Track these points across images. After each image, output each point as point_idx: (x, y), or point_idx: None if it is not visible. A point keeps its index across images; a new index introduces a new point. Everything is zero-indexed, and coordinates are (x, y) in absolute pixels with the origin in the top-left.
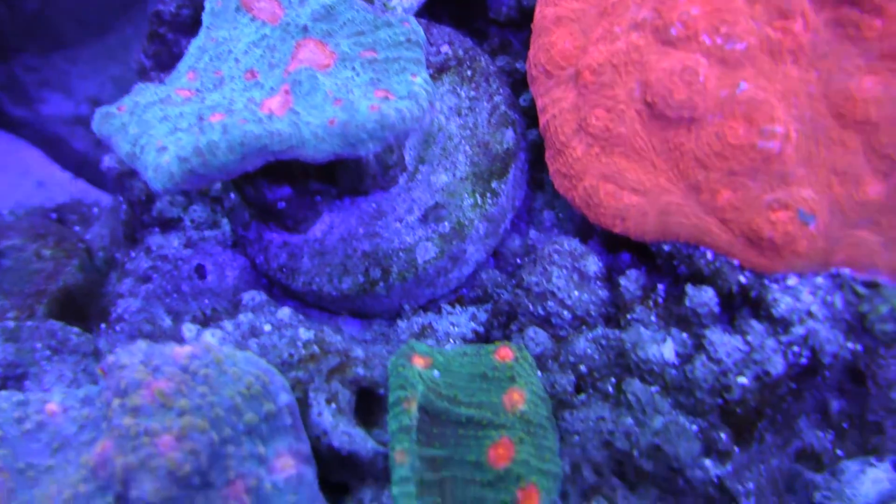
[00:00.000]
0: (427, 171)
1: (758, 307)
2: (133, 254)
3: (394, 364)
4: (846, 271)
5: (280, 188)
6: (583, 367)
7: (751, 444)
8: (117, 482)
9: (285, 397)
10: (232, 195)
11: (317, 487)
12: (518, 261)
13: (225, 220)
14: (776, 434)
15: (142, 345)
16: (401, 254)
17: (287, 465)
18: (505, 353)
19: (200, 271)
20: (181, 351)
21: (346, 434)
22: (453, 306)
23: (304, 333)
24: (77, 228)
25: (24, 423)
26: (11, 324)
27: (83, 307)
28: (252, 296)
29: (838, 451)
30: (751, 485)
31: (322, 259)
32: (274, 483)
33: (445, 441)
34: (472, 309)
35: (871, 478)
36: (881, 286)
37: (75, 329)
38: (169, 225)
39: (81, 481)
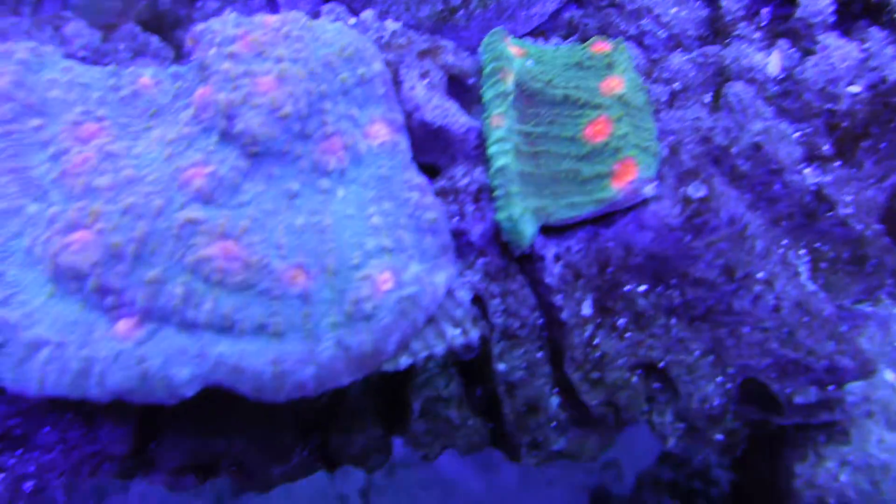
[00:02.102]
0: None
1: (879, 12)
2: (200, 3)
3: (487, 42)
4: None
5: None
6: (677, 84)
7: (852, 163)
8: (222, 118)
9: (378, 66)
10: None
11: (410, 157)
12: (604, 2)
13: None
14: (877, 163)
15: (231, 14)
16: None
17: (381, 131)
18: (601, 45)
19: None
20: (272, 17)
21: (439, 108)
22: (535, 38)
23: (392, 25)
24: None
25: (120, 91)
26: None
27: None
28: (331, 7)
29: None
30: (849, 198)
31: None
32: (369, 147)
33: (540, 119)
34: (555, 39)
35: None
36: None
37: (156, 36)
38: None
39: (184, 125)
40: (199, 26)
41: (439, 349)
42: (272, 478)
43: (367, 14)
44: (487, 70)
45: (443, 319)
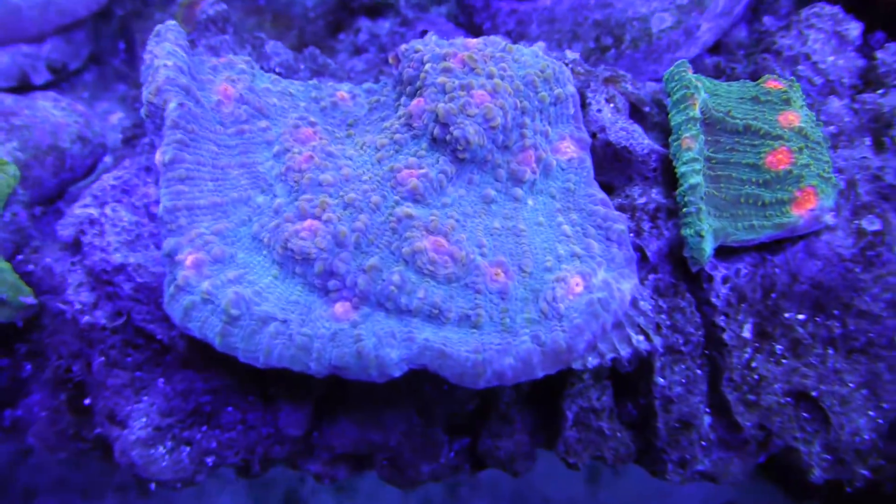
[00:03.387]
0: None
1: None
2: (343, 35)
3: (673, 72)
4: None
5: None
6: (833, 128)
7: None
8: (435, 126)
9: (571, 88)
10: None
11: (593, 173)
12: (742, 52)
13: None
14: None
15: (433, 35)
16: (635, 22)
17: (569, 148)
18: (775, 83)
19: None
20: (473, 39)
21: (625, 130)
22: None
23: (571, 54)
24: None
25: (321, 102)
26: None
27: None
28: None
29: None
30: None
31: (551, 26)
32: (557, 162)
33: (721, 146)
34: None
35: None
36: None
37: (332, 59)
38: (376, 12)
39: (394, 132)
40: (403, 47)
41: (625, 352)
42: (421, 475)
43: (540, 45)
44: (676, 97)
45: (628, 325)
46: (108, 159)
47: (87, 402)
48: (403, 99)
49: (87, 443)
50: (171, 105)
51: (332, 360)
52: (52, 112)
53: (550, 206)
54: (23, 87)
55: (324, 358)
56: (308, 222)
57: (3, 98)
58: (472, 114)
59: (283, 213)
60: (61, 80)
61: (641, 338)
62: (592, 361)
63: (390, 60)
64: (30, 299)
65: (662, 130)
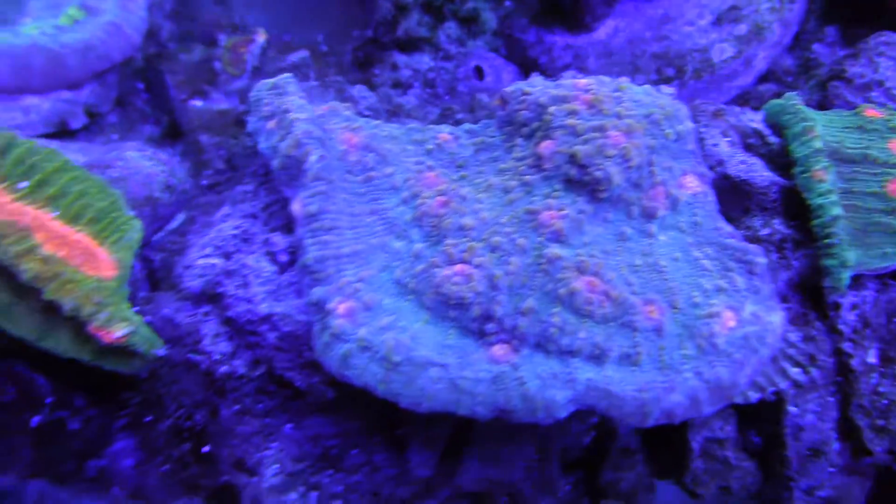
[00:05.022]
0: None
1: None
2: (378, 70)
3: (784, 105)
4: None
5: None
6: None
7: None
8: (570, 167)
9: (690, 124)
10: (508, 2)
11: (717, 206)
12: (790, 79)
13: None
14: None
15: (538, 77)
16: (695, 54)
17: (692, 182)
18: (873, 111)
19: (479, 72)
20: (581, 80)
21: (744, 163)
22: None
23: (668, 89)
24: None
25: (426, 145)
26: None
27: None
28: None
29: None
30: None
31: (609, 59)
32: (683, 197)
33: (841, 176)
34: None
35: None
36: None
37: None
38: (412, 45)
39: (520, 174)
40: (508, 89)
41: (784, 385)
42: None
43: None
44: (796, 129)
45: (782, 358)
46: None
47: (204, 449)
48: (519, 140)
49: (205, 491)
50: (313, 157)
51: (497, 404)
52: (142, 162)
53: (682, 240)
54: (62, 132)
55: (488, 401)
56: (459, 267)
57: (91, 148)
58: (610, 154)
59: (428, 258)
60: (92, 122)
61: (798, 370)
62: (754, 395)
63: (496, 102)
64: (162, 351)
65: (769, 161)
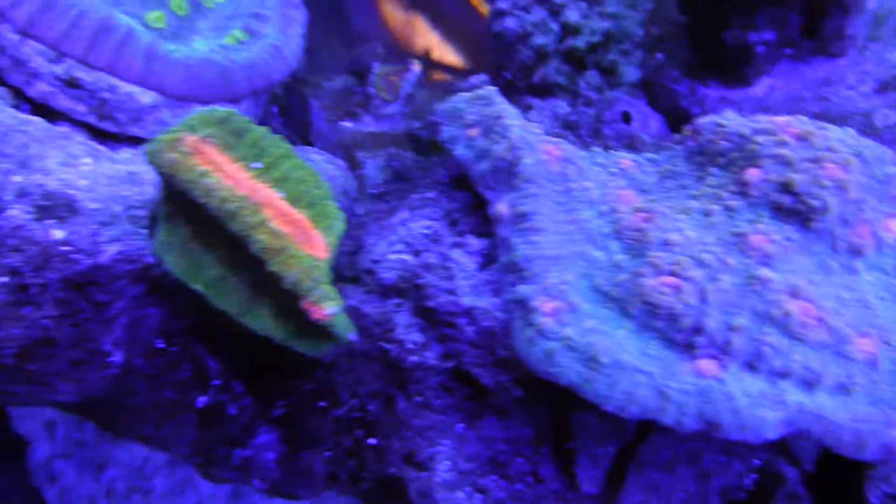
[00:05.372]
0: (879, 48)
1: None
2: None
3: None
4: None
5: (763, 31)
6: None
7: None
8: (779, 195)
9: (894, 169)
10: (659, 54)
11: None
12: None
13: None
14: None
15: (730, 112)
16: (857, 117)
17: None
18: None
19: (627, 117)
20: (778, 117)
21: None
22: None
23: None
24: None
25: (608, 168)
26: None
27: None
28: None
29: None
30: None
31: (766, 115)
32: (887, 239)
33: None
34: None
35: None
36: None
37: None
38: (547, 91)
39: (722, 199)
40: (702, 119)
41: None
42: None
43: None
44: None
45: None
46: None
47: (370, 441)
48: (713, 170)
49: (366, 483)
50: (527, 161)
51: (704, 415)
52: (325, 165)
53: (887, 282)
54: None
55: (696, 412)
56: (668, 278)
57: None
58: (826, 185)
59: (632, 268)
60: None
61: None
62: None
63: (688, 132)
64: (354, 336)
65: None
